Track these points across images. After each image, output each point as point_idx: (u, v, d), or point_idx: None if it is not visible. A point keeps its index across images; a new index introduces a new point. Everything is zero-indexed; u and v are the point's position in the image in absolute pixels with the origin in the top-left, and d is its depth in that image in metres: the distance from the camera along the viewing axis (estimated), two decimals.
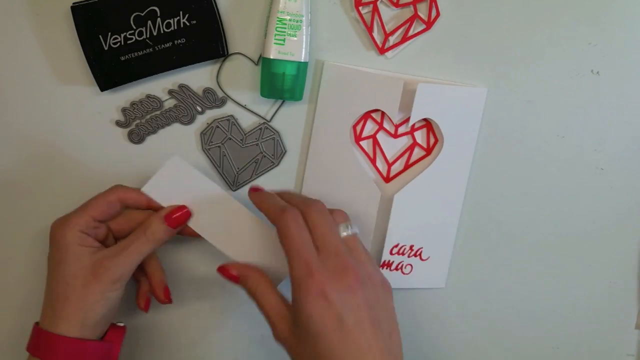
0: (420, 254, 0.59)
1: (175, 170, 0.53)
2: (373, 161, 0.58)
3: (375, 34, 0.55)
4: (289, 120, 0.57)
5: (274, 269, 0.53)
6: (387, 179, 0.59)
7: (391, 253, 0.59)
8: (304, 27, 0.52)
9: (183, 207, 0.52)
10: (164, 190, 0.53)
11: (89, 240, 0.51)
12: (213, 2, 0.53)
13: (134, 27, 0.53)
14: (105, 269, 0.50)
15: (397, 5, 0.55)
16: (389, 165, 0.59)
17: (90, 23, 0.53)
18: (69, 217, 0.51)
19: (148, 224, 0.52)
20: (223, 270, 0.52)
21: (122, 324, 0.54)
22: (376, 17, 0.55)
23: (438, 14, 0.55)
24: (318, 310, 0.44)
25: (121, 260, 0.50)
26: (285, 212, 0.47)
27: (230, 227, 0.54)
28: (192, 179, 0.53)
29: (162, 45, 0.54)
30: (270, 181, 0.59)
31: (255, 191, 0.53)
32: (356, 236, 0.50)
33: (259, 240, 0.53)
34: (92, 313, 0.50)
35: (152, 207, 0.53)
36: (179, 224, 0.52)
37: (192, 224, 0.53)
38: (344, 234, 0.49)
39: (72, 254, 0.50)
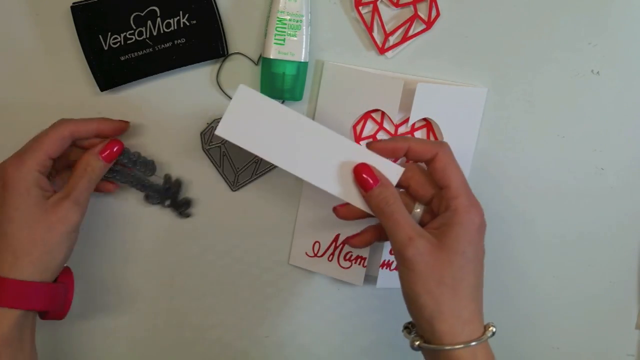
0: None
1: (246, 103, 0.48)
2: None
3: (375, 34, 0.55)
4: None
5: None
6: None
7: (391, 253, 0.59)
8: (304, 27, 0.52)
9: (114, 140, 0.53)
10: (239, 129, 0.48)
11: (45, 182, 0.50)
12: (213, 2, 0.53)
13: (134, 27, 0.53)
14: (67, 209, 0.49)
15: (397, 5, 0.55)
16: None
17: (90, 23, 0.53)
18: (25, 157, 0.49)
19: (85, 162, 0.51)
20: (363, 168, 0.49)
21: (67, 266, 0.53)
22: (376, 17, 0.55)
23: (438, 14, 0.55)
24: (475, 239, 0.47)
25: (74, 206, 0.50)
26: (445, 145, 0.49)
27: (320, 155, 0.49)
28: (267, 108, 0.49)
29: (162, 45, 0.54)
30: (271, 181, 0.59)
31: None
32: None
33: (351, 164, 0.49)
34: (56, 255, 0.49)
35: (101, 134, 0.53)
36: (112, 157, 0.52)
37: (276, 160, 0.49)
38: None
39: (33, 197, 0.48)
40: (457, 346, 0.45)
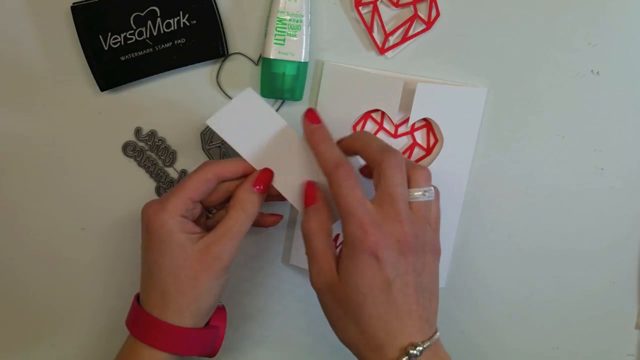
0: None
1: (247, 105, 0.50)
2: None
3: (375, 34, 0.55)
4: (289, 120, 0.57)
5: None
6: None
7: None
8: (304, 27, 0.52)
9: (265, 169, 0.50)
10: (230, 126, 0.50)
11: (190, 226, 0.49)
12: (213, 2, 0.53)
13: (134, 27, 0.53)
14: (213, 257, 0.47)
15: (397, 5, 0.55)
16: None
17: (90, 23, 0.53)
18: (167, 202, 0.48)
19: (241, 199, 0.49)
20: (309, 186, 0.50)
21: (221, 304, 0.52)
22: (376, 17, 0.55)
23: (438, 14, 0.55)
24: (370, 270, 0.44)
25: (227, 246, 0.48)
26: (338, 168, 0.46)
27: (301, 174, 0.51)
28: (264, 114, 0.50)
29: (162, 45, 0.54)
30: None
31: (311, 121, 0.50)
32: (429, 203, 0.49)
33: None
34: (204, 303, 0.48)
35: (247, 174, 0.50)
36: (266, 186, 0.50)
37: (256, 164, 0.51)
38: (418, 198, 0.48)
39: (175, 244, 0.47)
40: None
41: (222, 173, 0.50)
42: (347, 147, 0.50)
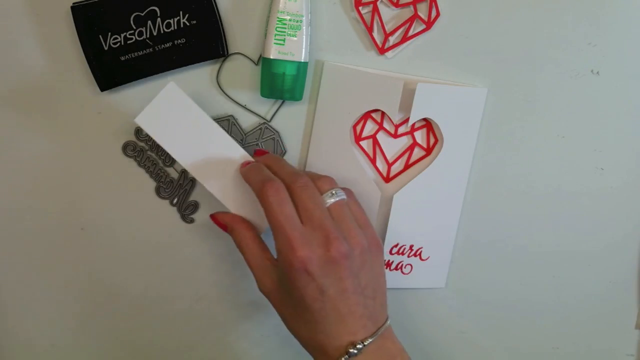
0: (420, 254, 0.59)
1: (171, 100, 0.51)
2: (373, 161, 0.58)
3: (375, 34, 0.55)
4: (289, 120, 0.57)
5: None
6: (387, 179, 0.59)
7: (391, 253, 0.59)
8: (304, 27, 0.52)
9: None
10: (157, 122, 0.51)
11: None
12: (213, 2, 0.53)
13: (134, 27, 0.53)
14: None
15: (397, 5, 0.55)
16: (389, 165, 0.59)
17: (90, 23, 0.53)
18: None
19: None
20: (214, 218, 0.54)
21: None
22: (376, 17, 0.55)
23: (438, 14, 0.55)
24: (301, 283, 0.46)
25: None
26: (266, 186, 0.48)
27: (223, 167, 0.53)
28: (187, 111, 0.52)
29: (162, 45, 0.54)
30: None
31: (246, 164, 0.52)
32: (342, 201, 0.50)
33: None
34: None
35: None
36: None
37: (181, 161, 0.52)
38: (330, 201, 0.50)
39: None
40: None
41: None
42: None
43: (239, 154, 0.53)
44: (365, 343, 0.47)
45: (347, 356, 0.46)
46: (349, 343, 0.47)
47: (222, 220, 0.53)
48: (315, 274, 0.46)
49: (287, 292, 0.48)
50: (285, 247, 0.46)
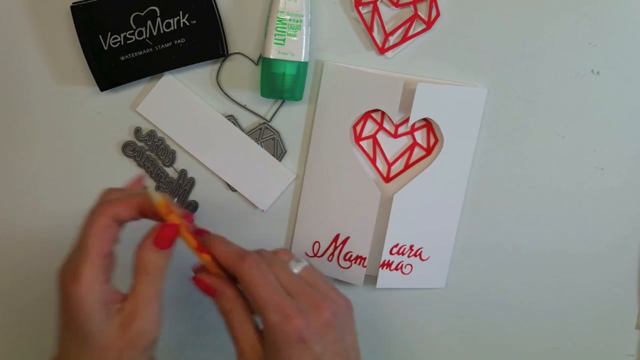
0: (420, 254, 0.59)
1: (169, 90, 0.54)
2: (373, 161, 0.58)
3: (375, 34, 0.55)
4: (289, 120, 0.57)
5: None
6: (387, 179, 0.59)
7: (391, 253, 0.59)
8: (304, 27, 0.52)
9: (168, 225, 0.45)
10: (157, 111, 0.55)
11: (110, 294, 0.44)
12: (213, 2, 0.53)
13: (134, 27, 0.53)
14: (137, 333, 0.43)
15: (397, 5, 0.55)
16: (389, 165, 0.58)
17: (90, 23, 0.53)
18: (80, 271, 0.43)
19: (142, 261, 0.44)
20: (198, 280, 0.47)
21: None
22: (376, 17, 0.55)
23: (438, 14, 0.55)
24: (298, 354, 0.43)
25: (147, 317, 0.44)
26: (245, 259, 0.45)
27: (220, 144, 0.56)
28: (186, 99, 0.55)
29: (162, 45, 0.54)
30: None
31: (201, 235, 0.48)
32: (308, 267, 0.49)
33: (255, 164, 0.57)
34: None
35: (145, 214, 0.46)
36: (170, 242, 0.45)
37: (181, 142, 0.56)
38: (298, 269, 0.48)
39: (97, 321, 0.42)
40: None
41: (118, 216, 0.45)
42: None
43: (236, 133, 0.56)
44: None
45: None
46: None
47: (209, 283, 0.47)
48: (311, 341, 0.43)
49: None
50: (278, 318, 0.43)
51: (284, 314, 0.43)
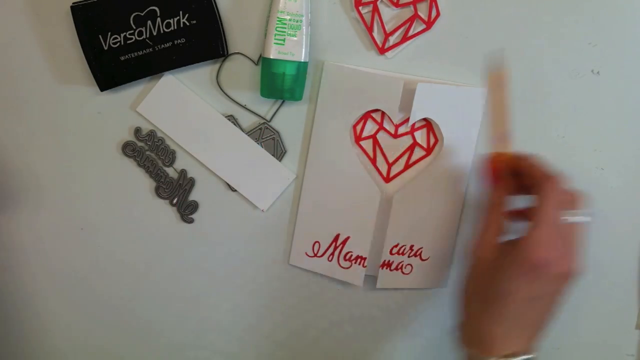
0: (420, 254, 0.59)
1: (169, 90, 0.55)
2: (373, 161, 0.58)
3: (375, 34, 0.55)
4: (289, 120, 0.57)
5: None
6: (387, 179, 0.59)
7: (391, 253, 0.59)
8: (304, 27, 0.52)
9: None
10: (157, 111, 0.55)
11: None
12: (213, 2, 0.53)
13: (134, 27, 0.53)
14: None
15: (397, 5, 0.55)
16: (389, 165, 0.58)
17: (90, 23, 0.53)
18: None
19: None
20: (494, 162, 0.53)
21: None
22: (376, 17, 0.55)
23: (438, 14, 0.55)
24: (524, 281, 0.47)
25: None
26: (553, 178, 0.49)
27: (220, 144, 0.56)
28: (186, 99, 0.55)
29: (162, 45, 0.54)
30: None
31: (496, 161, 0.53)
32: (574, 225, 0.50)
33: (255, 164, 0.57)
34: None
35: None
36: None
37: (186, 145, 0.56)
38: (567, 218, 0.50)
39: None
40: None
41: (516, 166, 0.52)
42: (512, 164, 0.53)
43: (236, 133, 0.56)
44: (527, 357, 0.48)
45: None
46: (515, 351, 0.48)
47: (501, 171, 0.52)
48: (541, 281, 0.47)
49: (501, 276, 0.48)
50: (543, 239, 0.47)
51: (549, 239, 0.47)
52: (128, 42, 0.53)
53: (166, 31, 0.53)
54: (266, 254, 0.60)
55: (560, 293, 0.50)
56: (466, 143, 0.58)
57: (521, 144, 0.59)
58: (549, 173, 0.50)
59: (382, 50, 0.56)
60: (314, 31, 0.55)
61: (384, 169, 0.59)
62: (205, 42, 0.54)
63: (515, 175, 0.52)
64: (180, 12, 0.53)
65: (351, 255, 0.59)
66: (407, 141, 0.58)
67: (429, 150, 0.58)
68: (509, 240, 0.51)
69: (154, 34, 0.53)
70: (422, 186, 0.58)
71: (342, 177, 0.57)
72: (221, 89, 0.56)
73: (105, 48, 0.53)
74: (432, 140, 0.58)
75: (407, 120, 0.56)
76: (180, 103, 0.56)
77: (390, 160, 0.58)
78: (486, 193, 0.53)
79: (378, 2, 0.55)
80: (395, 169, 0.59)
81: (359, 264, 0.59)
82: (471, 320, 0.51)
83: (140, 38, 0.53)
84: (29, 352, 0.62)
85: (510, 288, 0.48)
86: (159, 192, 0.58)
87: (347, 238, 0.58)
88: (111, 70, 0.54)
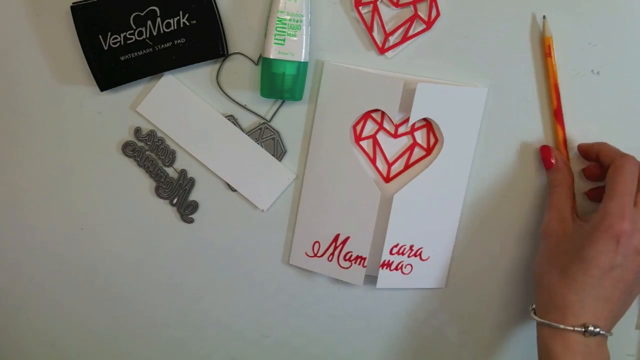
0: (420, 254, 0.59)
1: (169, 90, 0.55)
2: (373, 161, 0.58)
3: (375, 34, 0.55)
4: (289, 120, 0.57)
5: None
6: (387, 179, 0.59)
7: (391, 253, 0.59)
8: (304, 27, 0.52)
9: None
10: (157, 111, 0.56)
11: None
12: (213, 2, 0.53)
13: (134, 27, 0.53)
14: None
15: (397, 5, 0.55)
16: (389, 165, 0.58)
17: (90, 23, 0.53)
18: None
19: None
20: (545, 149, 0.56)
21: None
22: (376, 17, 0.55)
23: (438, 14, 0.55)
24: (604, 248, 0.49)
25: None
26: (627, 156, 0.53)
27: (220, 145, 0.57)
28: (186, 99, 0.55)
29: (162, 45, 0.54)
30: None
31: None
32: None
33: (255, 164, 0.57)
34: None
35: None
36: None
37: (186, 146, 0.57)
38: None
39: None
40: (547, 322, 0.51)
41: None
42: (587, 149, 0.57)
43: (236, 133, 0.56)
44: (598, 331, 0.49)
45: (584, 330, 0.49)
46: (586, 322, 0.49)
47: (552, 159, 0.56)
48: (620, 251, 0.49)
49: (575, 250, 0.50)
50: (615, 212, 0.49)
51: (622, 212, 0.49)
52: (128, 42, 0.53)
53: (166, 31, 0.53)
54: (266, 254, 0.60)
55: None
56: (466, 143, 0.58)
57: (521, 143, 0.59)
58: (621, 152, 0.54)
59: (382, 50, 0.56)
60: (314, 31, 0.55)
61: (384, 169, 0.59)
62: (205, 42, 0.54)
63: (589, 159, 0.56)
64: (180, 12, 0.53)
65: (351, 255, 0.59)
66: (407, 141, 0.58)
67: (429, 150, 0.58)
68: (583, 216, 0.54)
69: (154, 34, 0.53)
70: (422, 186, 0.58)
71: (342, 177, 0.57)
72: (221, 89, 0.56)
73: (105, 48, 0.53)
74: (432, 140, 0.58)
75: (407, 120, 0.56)
76: (180, 103, 0.56)
77: (390, 161, 0.58)
78: (547, 178, 0.56)
79: (378, 2, 0.55)
80: (395, 169, 0.59)
81: (359, 264, 0.59)
82: (548, 291, 0.52)
83: (140, 38, 0.53)
84: (29, 351, 0.62)
85: (591, 254, 0.49)
86: (159, 192, 0.58)
87: (347, 238, 0.58)
88: (111, 70, 0.54)
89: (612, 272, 0.49)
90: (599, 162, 0.55)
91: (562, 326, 0.50)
